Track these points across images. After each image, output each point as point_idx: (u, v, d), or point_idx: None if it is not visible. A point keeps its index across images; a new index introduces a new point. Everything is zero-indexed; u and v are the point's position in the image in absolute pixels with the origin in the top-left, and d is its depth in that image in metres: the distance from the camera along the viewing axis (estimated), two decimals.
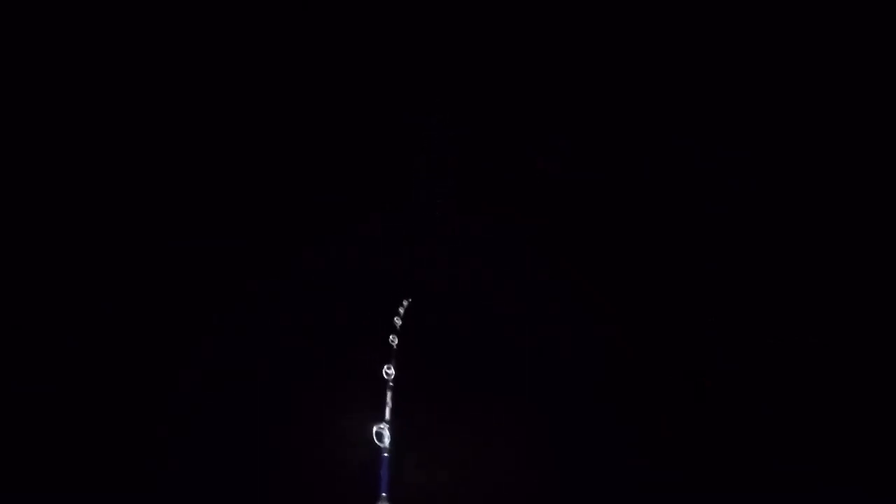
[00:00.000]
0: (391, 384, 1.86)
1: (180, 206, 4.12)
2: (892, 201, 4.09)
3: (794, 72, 4.51)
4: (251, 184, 4.49)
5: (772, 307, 3.57)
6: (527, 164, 5.51)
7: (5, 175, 3.82)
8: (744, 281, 3.84)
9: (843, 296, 3.60)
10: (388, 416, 1.62)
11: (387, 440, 1.44)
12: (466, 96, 5.58)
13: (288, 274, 3.59)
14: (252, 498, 2.22)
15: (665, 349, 3.16)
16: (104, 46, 4.32)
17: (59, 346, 2.76)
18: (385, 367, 1.94)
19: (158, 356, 2.77)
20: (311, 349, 2.94)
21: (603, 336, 3.25)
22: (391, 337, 2.53)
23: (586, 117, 5.51)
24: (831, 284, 3.72)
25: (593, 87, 5.45)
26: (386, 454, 1.40)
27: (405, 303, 3.19)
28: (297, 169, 4.73)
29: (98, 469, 2.22)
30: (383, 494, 1.14)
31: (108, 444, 2.31)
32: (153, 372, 2.67)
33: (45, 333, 2.82)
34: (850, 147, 4.33)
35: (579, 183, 5.12)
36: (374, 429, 1.47)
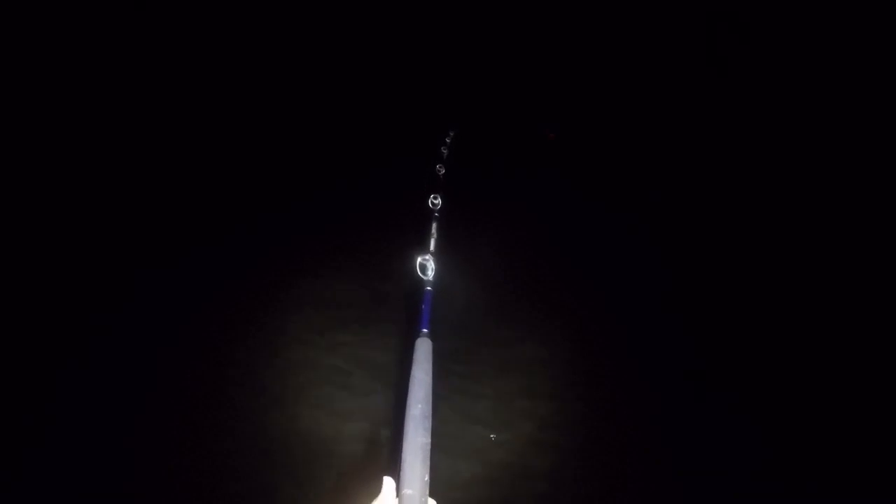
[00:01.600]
0: (437, 214, 1.58)
1: (181, 206, 4.12)
2: (891, 201, 4.09)
3: (793, 73, 4.52)
4: (251, 183, 4.49)
5: (772, 307, 3.57)
6: (526, 163, 5.51)
7: (5, 175, 3.81)
8: (744, 281, 3.84)
9: (842, 296, 3.60)
10: (432, 247, 1.37)
11: (430, 273, 1.24)
12: (466, 96, 5.58)
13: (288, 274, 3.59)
14: (253, 498, 2.23)
15: (665, 349, 3.16)
16: (104, 46, 4.32)
17: (59, 345, 2.76)
18: (431, 196, 1.65)
19: (158, 356, 2.78)
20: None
21: (604, 336, 3.26)
22: (438, 166, 2.22)
23: (586, 117, 5.51)
24: (831, 284, 3.72)
25: (593, 88, 5.45)
26: (429, 288, 1.21)
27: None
28: (297, 169, 4.73)
29: (98, 469, 2.22)
30: (424, 330, 0.99)
31: (108, 444, 2.31)
32: (153, 372, 2.68)
33: (45, 333, 2.83)
34: (849, 147, 4.34)
35: (580, 183, 5.13)
36: (418, 260, 1.26)
